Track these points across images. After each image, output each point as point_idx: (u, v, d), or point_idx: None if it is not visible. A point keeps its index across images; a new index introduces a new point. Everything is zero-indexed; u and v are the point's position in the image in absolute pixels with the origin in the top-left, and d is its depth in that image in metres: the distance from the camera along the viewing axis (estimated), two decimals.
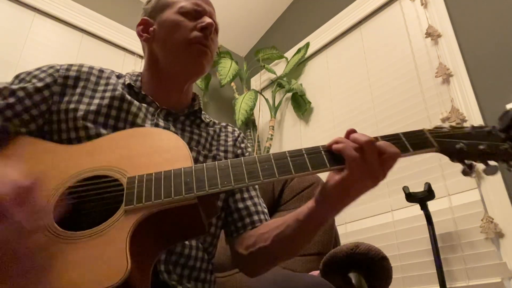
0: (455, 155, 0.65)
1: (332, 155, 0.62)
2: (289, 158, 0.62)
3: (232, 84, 2.83)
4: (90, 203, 0.62)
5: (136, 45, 2.41)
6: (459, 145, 0.64)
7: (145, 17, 0.91)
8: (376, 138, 0.64)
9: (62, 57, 2.12)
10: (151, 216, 0.58)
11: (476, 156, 0.64)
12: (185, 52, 0.84)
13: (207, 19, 0.85)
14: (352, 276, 1.05)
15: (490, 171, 0.63)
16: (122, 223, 0.56)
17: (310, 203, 0.68)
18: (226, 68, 2.63)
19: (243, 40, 3.17)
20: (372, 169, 0.59)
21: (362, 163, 0.59)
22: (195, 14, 0.86)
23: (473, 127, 0.67)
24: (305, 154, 0.63)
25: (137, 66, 2.42)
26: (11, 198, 0.50)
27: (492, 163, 0.64)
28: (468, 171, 0.64)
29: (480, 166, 0.65)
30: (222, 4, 2.73)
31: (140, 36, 0.91)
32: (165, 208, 0.58)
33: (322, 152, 0.63)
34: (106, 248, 0.53)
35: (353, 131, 0.63)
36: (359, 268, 1.04)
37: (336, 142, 0.62)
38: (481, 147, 0.63)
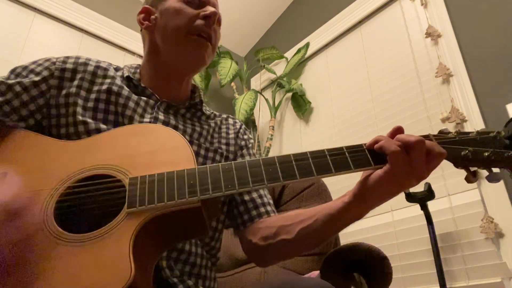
0: (459, 162, 0.64)
1: (336, 160, 0.63)
2: (294, 162, 0.62)
3: (232, 84, 2.82)
4: (91, 204, 0.60)
5: (136, 45, 2.41)
6: (464, 152, 0.62)
7: (147, 6, 0.89)
8: (427, 136, 0.64)
9: None
10: (153, 219, 0.57)
11: (481, 163, 0.63)
12: (186, 42, 0.83)
13: (211, 8, 0.85)
14: (352, 276, 1.05)
15: (493, 178, 0.63)
16: (125, 226, 0.55)
17: (346, 198, 0.67)
18: (226, 68, 2.63)
19: (243, 40, 3.16)
20: (418, 167, 0.60)
21: (405, 159, 0.60)
22: (198, 2, 0.86)
23: (478, 132, 0.65)
24: (310, 158, 0.63)
25: None
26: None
27: (495, 170, 0.63)
28: (472, 178, 0.64)
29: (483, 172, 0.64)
30: (222, 4, 2.72)
31: (141, 24, 0.89)
32: (168, 211, 0.57)
33: (327, 156, 0.63)
34: (109, 252, 0.52)
35: (400, 129, 0.64)
36: (359, 268, 1.04)
37: (376, 141, 0.63)
38: (486, 154, 0.62)
